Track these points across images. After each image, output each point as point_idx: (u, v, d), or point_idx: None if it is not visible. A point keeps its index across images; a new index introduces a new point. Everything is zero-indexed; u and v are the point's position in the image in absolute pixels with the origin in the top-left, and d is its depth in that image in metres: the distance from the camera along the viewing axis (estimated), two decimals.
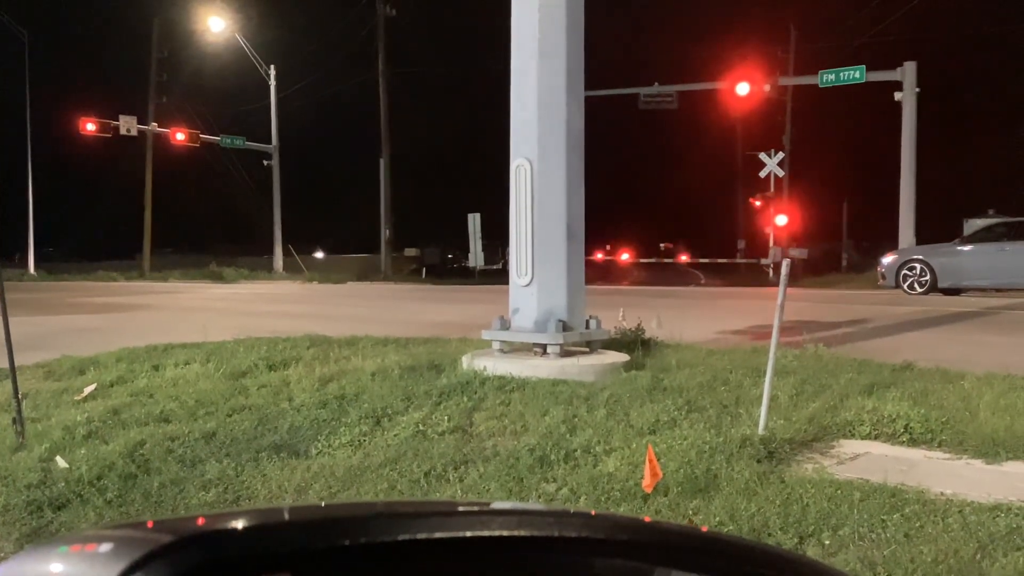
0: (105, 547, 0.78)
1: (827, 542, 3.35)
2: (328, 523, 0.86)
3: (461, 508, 1.08)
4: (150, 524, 0.85)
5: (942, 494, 3.83)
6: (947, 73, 35.66)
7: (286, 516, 0.95)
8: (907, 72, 25.19)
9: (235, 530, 0.81)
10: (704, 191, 54.39)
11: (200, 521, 0.85)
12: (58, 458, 4.69)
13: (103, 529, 0.87)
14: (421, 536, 0.80)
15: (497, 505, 1.10)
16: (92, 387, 6.55)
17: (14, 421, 5.08)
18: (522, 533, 0.84)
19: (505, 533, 0.83)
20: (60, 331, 11.62)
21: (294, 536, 0.81)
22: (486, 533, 0.83)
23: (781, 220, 31.11)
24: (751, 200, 35.44)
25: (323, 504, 2.51)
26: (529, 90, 6.98)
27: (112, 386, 6.69)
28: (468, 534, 0.82)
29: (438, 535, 0.81)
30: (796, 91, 33.88)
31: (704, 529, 1.32)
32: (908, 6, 25.48)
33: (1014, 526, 3.38)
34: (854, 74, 25.30)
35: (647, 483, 3.85)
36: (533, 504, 3.74)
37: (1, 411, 5.81)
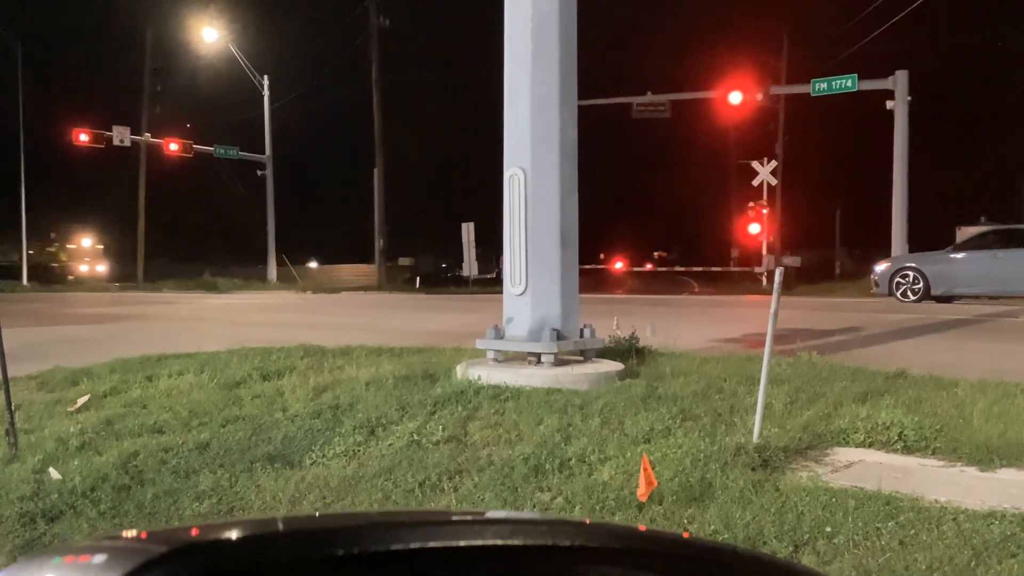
0: (99, 558, 0.78)
1: (822, 550, 3.35)
2: (321, 533, 0.86)
3: (455, 517, 1.07)
4: (144, 535, 0.85)
5: (936, 501, 3.83)
6: (939, 82, 35.83)
7: (279, 527, 0.95)
8: (899, 81, 25.31)
9: (229, 541, 0.81)
10: (697, 200, 54.53)
11: (194, 532, 0.85)
12: (51, 469, 4.67)
13: (97, 540, 0.87)
14: (414, 546, 0.80)
15: (491, 514, 1.09)
16: (85, 398, 6.53)
17: (7, 432, 5.06)
18: (516, 542, 0.84)
19: (499, 542, 0.83)
20: (53, 341, 11.59)
21: (288, 547, 0.81)
22: (479, 542, 0.83)
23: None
24: (750, 207, 35.51)
25: (317, 514, 2.51)
26: (522, 100, 7.00)
27: (105, 397, 6.67)
28: (462, 543, 0.82)
29: (431, 544, 0.81)
30: (789, 100, 33.99)
31: (699, 538, 1.32)
32: (899, 15, 25.59)
33: (1008, 533, 3.39)
34: (846, 83, 25.40)
35: (642, 492, 3.85)
36: (527, 513, 3.73)
37: None
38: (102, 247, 52.98)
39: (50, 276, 45.64)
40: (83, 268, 50.83)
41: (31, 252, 43.70)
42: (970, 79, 41.13)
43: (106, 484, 4.43)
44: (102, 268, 48.20)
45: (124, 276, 42.38)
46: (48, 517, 4.08)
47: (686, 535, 1.08)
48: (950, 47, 37.39)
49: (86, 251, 54.17)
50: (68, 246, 53.95)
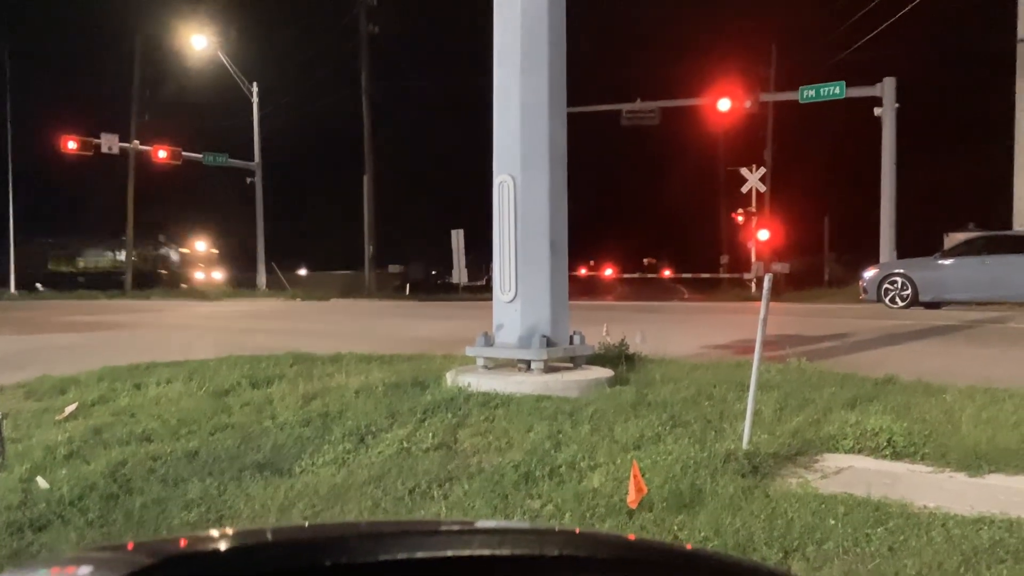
0: (84, 570, 0.77)
1: (812, 556, 3.36)
2: (309, 544, 0.86)
3: (442, 527, 1.07)
4: (130, 546, 0.84)
5: (925, 507, 3.84)
6: (927, 88, 36.03)
7: (267, 537, 0.94)
8: (886, 88, 25.44)
9: (215, 552, 0.81)
10: (687, 206, 54.56)
11: (181, 543, 0.85)
12: (39, 479, 4.64)
13: (83, 552, 0.87)
14: (401, 556, 0.80)
15: (479, 524, 1.09)
16: (73, 407, 6.49)
17: None
18: (504, 552, 0.83)
19: (486, 552, 0.83)
20: (41, 350, 11.52)
21: (274, 558, 0.81)
22: (467, 552, 0.83)
23: (763, 235, 31.25)
24: (733, 215, 35.66)
25: (305, 525, 2.50)
26: (512, 107, 7.01)
27: (93, 405, 6.63)
28: (449, 554, 0.82)
29: (419, 555, 0.81)
30: (777, 107, 34.12)
31: (688, 547, 1.32)
32: (887, 22, 25.72)
33: (997, 539, 3.40)
34: (834, 90, 25.52)
35: (632, 499, 3.85)
36: (516, 523, 3.73)
37: None
38: (217, 251, 46.41)
39: (158, 284, 41.43)
40: (198, 275, 45.42)
41: (134, 258, 41.73)
42: (958, 86, 41.33)
43: (94, 493, 4.41)
44: (219, 275, 42.56)
45: (242, 282, 40.14)
46: (36, 527, 4.06)
47: (675, 543, 1.09)
48: (938, 54, 37.62)
49: (200, 256, 48.60)
50: (180, 250, 47.79)
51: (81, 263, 48.92)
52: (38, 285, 39.75)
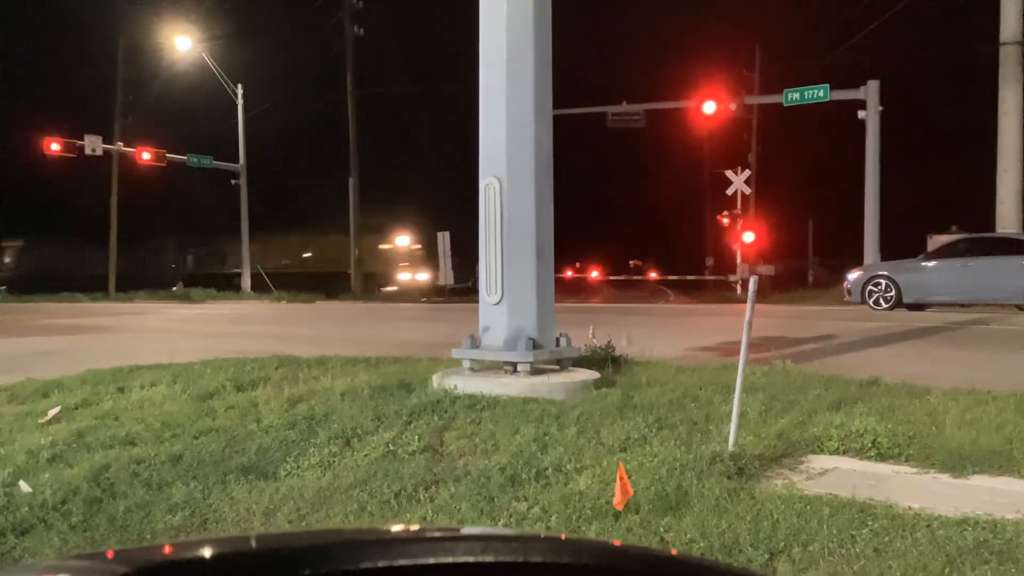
0: None
1: (797, 558, 3.36)
2: (289, 553, 0.85)
3: (426, 534, 1.06)
4: (110, 554, 0.83)
5: (910, 508, 3.85)
6: (911, 91, 36.24)
7: (246, 546, 0.93)
8: (870, 91, 25.56)
9: (193, 561, 0.80)
10: (672, 209, 54.79)
11: (161, 551, 0.84)
12: (21, 483, 4.61)
13: (63, 560, 0.86)
14: (383, 564, 0.79)
15: (464, 530, 1.08)
16: (56, 410, 6.45)
17: None
18: (487, 559, 0.83)
19: (470, 559, 0.82)
20: (24, 353, 11.45)
21: (254, 567, 0.80)
22: (450, 560, 0.82)
23: (748, 237, 31.35)
24: (719, 217, 35.75)
25: (286, 533, 2.49)
26: (498, 109, 7.00)
27: (77, 409, 6.59)
28: (431, 561, 0.81)
29: (401, 562, 0.80)
30: (762, 110, 34.27)
31: (674, 552, 1.31)
32: (872, 25, 25.86)
33: (981, 540, 3.41)
34: (818, 93, 25.61)
35: (618, 501, 3.84)
36: (501, 529, 3.72)
37: None
38: (420, 247, 40.16)
39: (367, 285, 37.68)
40: (402, 276, 40.56)
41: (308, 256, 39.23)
42: (942, 89, 41.63)
43: (77, 497, 4.38)
44: (424, 276, 37.06)
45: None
46: (18, 531, 4.03)
47: (667, 550, 1.08)
48: (923, 58, 37.83)
49: (402, 253, 42.55)
50: (380, 247, 41.85)
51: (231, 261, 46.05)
52: (174, 288, 38.47)
